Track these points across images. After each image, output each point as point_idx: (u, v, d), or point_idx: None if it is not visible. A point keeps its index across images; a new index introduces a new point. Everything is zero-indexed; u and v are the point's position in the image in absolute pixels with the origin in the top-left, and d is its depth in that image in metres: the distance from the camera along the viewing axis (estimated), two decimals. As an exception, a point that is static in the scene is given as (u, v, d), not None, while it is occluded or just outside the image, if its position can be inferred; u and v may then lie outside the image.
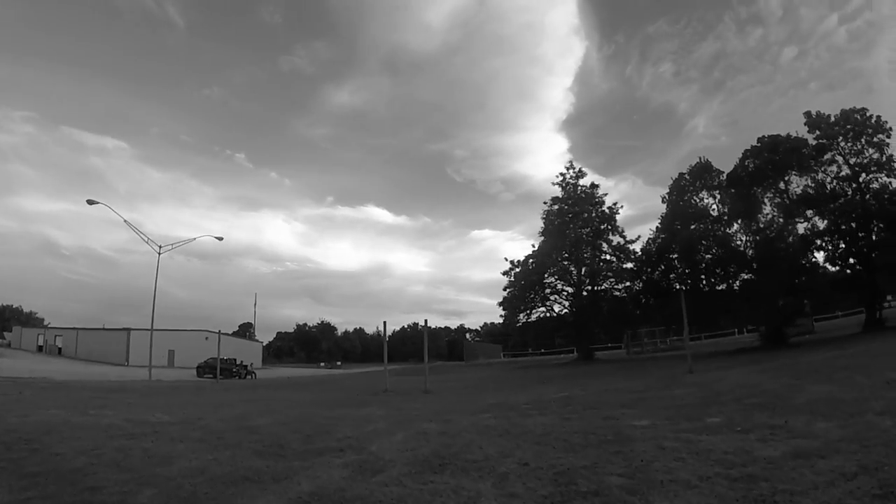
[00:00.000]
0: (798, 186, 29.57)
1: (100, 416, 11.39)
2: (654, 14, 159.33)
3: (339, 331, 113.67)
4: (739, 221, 31.00)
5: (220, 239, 38.84)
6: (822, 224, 29.62)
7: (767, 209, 30.75)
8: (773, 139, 29.37)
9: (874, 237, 27.68)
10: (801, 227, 30.16)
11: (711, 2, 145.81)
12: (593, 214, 47.77)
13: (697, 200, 32.30)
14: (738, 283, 31.99)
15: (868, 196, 27.69)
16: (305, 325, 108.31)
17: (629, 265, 45.73)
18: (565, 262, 48.03)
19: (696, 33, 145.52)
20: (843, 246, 29.49)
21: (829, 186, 29.45)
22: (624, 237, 46.42)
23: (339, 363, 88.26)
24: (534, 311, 50.14)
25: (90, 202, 28.40)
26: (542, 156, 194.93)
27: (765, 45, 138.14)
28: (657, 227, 35.23)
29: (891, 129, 27.60)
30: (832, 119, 29.20)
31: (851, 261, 29.45)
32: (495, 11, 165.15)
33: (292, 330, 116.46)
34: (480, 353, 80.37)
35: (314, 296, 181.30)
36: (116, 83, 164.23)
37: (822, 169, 29.82)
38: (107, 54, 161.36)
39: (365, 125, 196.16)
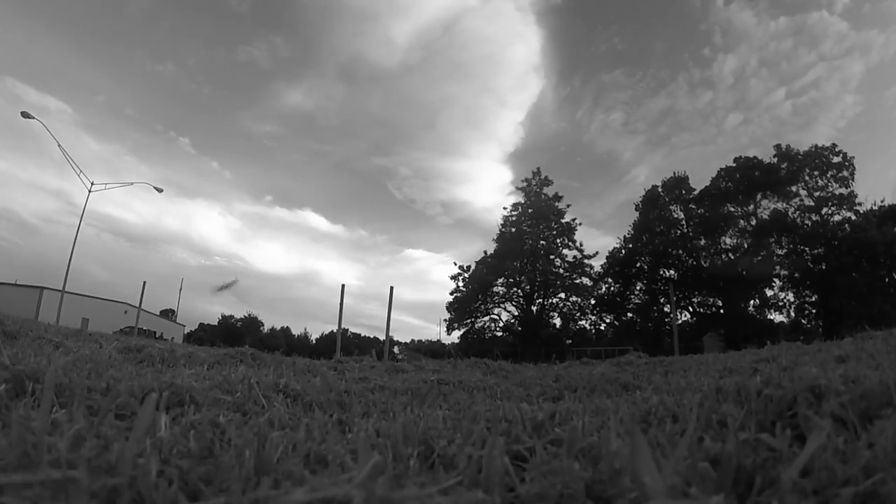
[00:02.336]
0: (766, 210, 30.72)
1: None
2: (613, 64, 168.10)
3: (266, 328, 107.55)
4: (703, 241, 31.84)
5: (160, 190, 35.09)
6: (780, 251, 30.81)
7: (731, 233, 31.79)
8: (749, 161, 30.39)
9: (832, 263, 28.88)
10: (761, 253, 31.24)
11: (668, 61, 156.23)
12: (552, 225, 47.50)
13: (667, 214, 32.94)
14: (691, 305, 32.70)
15: (829, 227, 29.15)
16: (231, 317, 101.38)
17: (584, 280, 46.01)
18: (517, 274, 47.34)
19: (650, 88, 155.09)
20: (798, 275, 30.74)
21: (790, 216, 30.85)
22: (581, 251, 46.38)
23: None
24: (478, 320, 49.38)
25: (25, 115, 24.50)
26: (484, 184, 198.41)
27: (712, 108, 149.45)
28: (624, 237, 35.70)
29: (853, 166, 29.34)
30: (800, 154, 30.77)
31: (808, 296, 30.75)
32: (459, 38, 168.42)
33: (216, 323, 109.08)
34: (411, 354, 78.48)
35: (239, 295, 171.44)
36: (70, 42, 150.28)
37: (786, 200, 31.18)
38: (65, 10, 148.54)
39: (312, 129, 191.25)
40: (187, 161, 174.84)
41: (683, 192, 32.57)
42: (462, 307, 47.25)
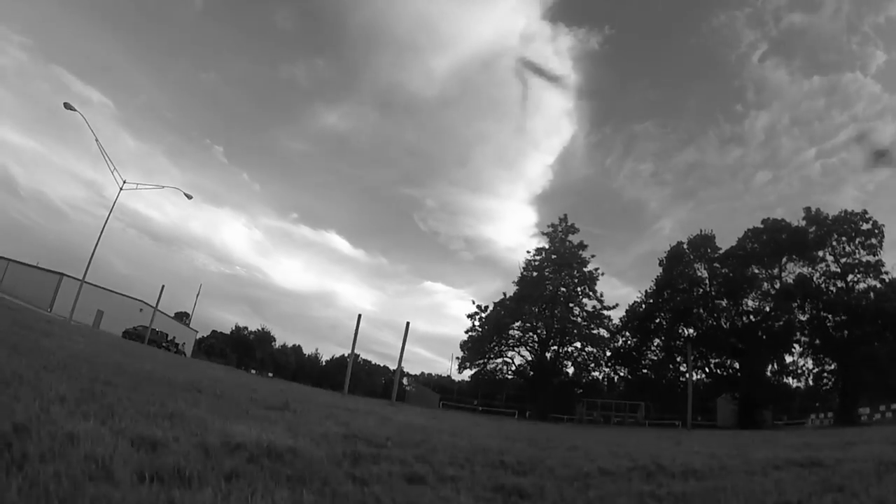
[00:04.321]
0: (791, 274, 29.82)
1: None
2: (645, 115, 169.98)
3: (277, 343, 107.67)
4: (725, 301, 30.84)
5: (190, 197, 36.07)
6: (803, 317, 29.64)
7: (753, 295, 30.76)
8: (776, 223, 29.91)
9: (855, 331, 27.66)
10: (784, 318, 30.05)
11: (700, 115, 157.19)
12: (574, 273, 47.13)
13: (691, 271, 32.23)
14: (708, 365, 31.49)
15: (853, 295, 28.07)
16: (245, 328, 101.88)
17: (601, 331, 44.93)
18: (534, 319, 46.57)
19: (680, 140, 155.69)
20: (819, 342, 29.47)
21: (815, 281, 29.81)
22: (601, 301, 45.81)
23: (270, 374, 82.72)
24: (491, 361, 48.55)
25: (67, 106, 25.62)
26: (509, 224, 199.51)
27: (741, 164, 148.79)
28: (646, 292, 34.92)
29: (883, 233, 28.44)
30: (829, 218, 30.02)
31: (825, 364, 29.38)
32: (497, 77, 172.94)
33: (228, 332, 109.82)
34: (421, 398, 77.06)
35: (254, 307, 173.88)
36: (119, 39, 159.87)
37: (812, 265, 30.25)
38: (117, 7, 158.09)
39: (344, 152, 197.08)
40: (218, 169, 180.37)
41: (709, 250, 32.04)
42: (476, 347, 46.75)
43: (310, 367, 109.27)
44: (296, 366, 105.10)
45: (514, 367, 48.28)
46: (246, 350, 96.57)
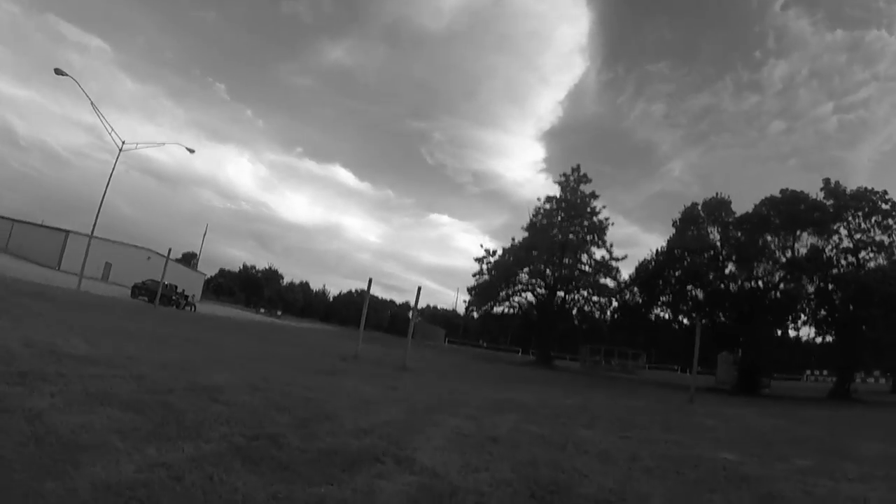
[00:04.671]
0: (804, 245, 29.35)
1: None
2: (659, 55, 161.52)
3: (285, 280, 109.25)
4: (735, 267, 30.45)
5: (192, 151, 34.93)
6: (811, 287, 29.39)
7: (764, 263, 30.34)
8: (795, 194, 29.42)
9: (860, 311, 27.60)
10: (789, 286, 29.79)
11: (717, 59, 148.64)
12: (584, 223, 46.71)
13: (704, 234, 31.68)
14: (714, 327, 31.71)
15: (862, 272, 27.74)
16: (253, 267, 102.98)
17: (608, 281, 45.23)
18: (542, 265, 46.70)
19: (695, 84, 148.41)
20: (824, 313, 29.41)
21: (826, 254, 29.40)
22: (610, 252, 45.91)
23: (279, 313, 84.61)
24: (498, 304, 48.88)
25: (58, 72, 24.20)
26: (517, 159, 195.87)
27: (757, 112, 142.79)
28: (657, 250, 34.47)
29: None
30: (848, 192, 29.39)
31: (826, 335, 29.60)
32: (507, 11, 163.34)
33: (236, 270, 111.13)
34: (426, 334, 78.99)
35: (261, 241, 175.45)
36: None
37: (826, 238, 29.73)
38: None
39: (350, 87, 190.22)
40: (221, 107, 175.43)
41: (723, 214, 31.18)
42: (483, 293, 47.16)
43: (318, 303, 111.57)
44: (304, 302, 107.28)
45: (520, 311, 48.55)
46: (254, 289, 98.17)
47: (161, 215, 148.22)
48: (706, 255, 30.75)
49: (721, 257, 30.88)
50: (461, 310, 74.28)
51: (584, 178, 47.96)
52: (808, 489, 5.29)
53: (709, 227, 31.80)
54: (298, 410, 6.29)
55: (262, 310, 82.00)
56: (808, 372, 40.87)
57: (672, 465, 5.95)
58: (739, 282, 30.04)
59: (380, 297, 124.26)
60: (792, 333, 29.39)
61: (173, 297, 37.56)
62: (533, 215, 48.90)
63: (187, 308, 38.75)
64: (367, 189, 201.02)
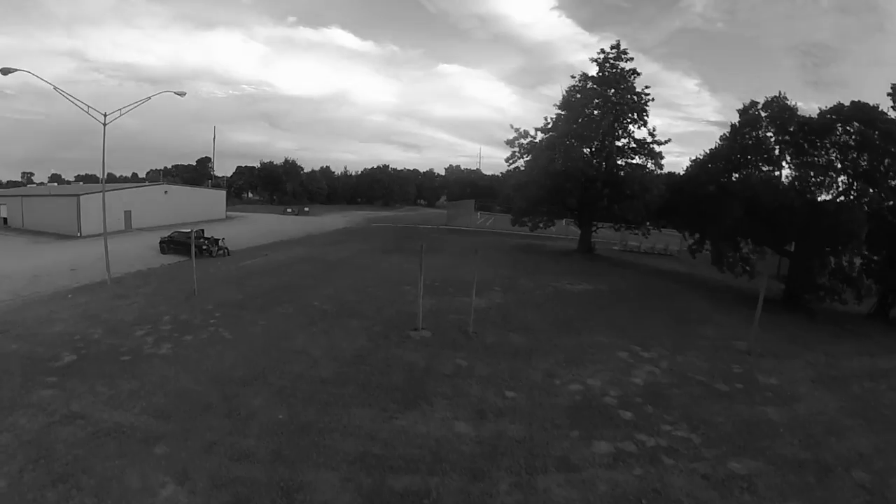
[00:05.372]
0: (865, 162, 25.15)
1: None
2: None
3: (306, 169, 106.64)
4: (797, 179, 26.80)
5: (182, 94, 31.00)
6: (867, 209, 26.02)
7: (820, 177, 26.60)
8: (864, 109, 24.28)
9: None
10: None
11: None
12: (619, 100, 41.70)
13: (765, 139, 27.51)
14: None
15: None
16: (271, 162, 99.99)
17: (650, 165, 41.71)
18: (577, 145, 42.79)
19: None
20: (876, 242, 26.46)
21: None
22: (653, 135, 41.65)
23: (307, 209, 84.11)
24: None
25: (5, 71, 20.34)
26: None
27: None
28: (709, 151, 30.57)
29: None
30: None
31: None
32: None
33: (252, 164, 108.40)
34: (458, 215, 77.96)
35: (271, 121, 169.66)
36: None
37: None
38: None
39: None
40: None
41: (786, 117, 26.75)
42: (521, 189, 44.05)
43: (342, 188, 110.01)
44: (328, 189, 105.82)
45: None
46: (276, 184, 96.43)
47: (167, 119, 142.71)
48: (759, 160, 27.11)
49: (776, 159, 27.13)
50: (485, 169, 71.25)
51: (624, 55, 41.87)
52: None
53: (768, 133, 27.43)
54: None
55: (289, 209, 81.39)
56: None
57: None
58: (794, 200, 26.59)
59: (399, 168, 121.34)
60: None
61: (204, 246, 36.57)
62: (566, 92, 44.04)
63: (220, 252, 37.88)
64: (371, 48, 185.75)
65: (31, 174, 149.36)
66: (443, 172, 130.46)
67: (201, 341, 16.72)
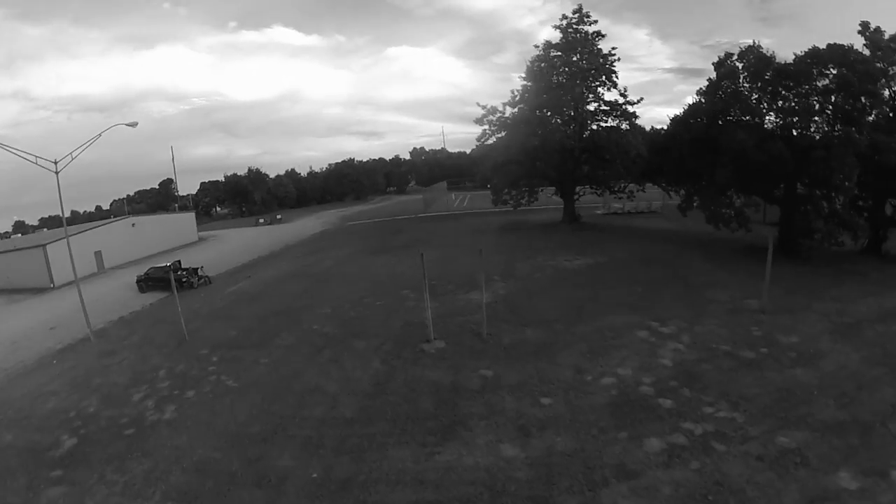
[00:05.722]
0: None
1: None
2: None
3: (271, 174, 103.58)
4: (779, 127, 26.47)
5: (134, 125, 29.28)
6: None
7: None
8: (840, 51, 24.10)
9: None
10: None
11: None
12: (583, 63, 40.80)
13: (744, 90, 27.01)
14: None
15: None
16: (235, 173, 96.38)
17: (625, 126, 41.13)
18: (550, 116, 42.04)
19: None
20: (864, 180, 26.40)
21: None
22: (624, 95, 40.92)
23: (279, 216, 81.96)
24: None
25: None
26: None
27: None
28: (689, 106, 29.93)
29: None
30: (892, 40, 24.73)
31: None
32: None
33: (216, 178, 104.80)
34: (433, 200, 76.86)
35: (227, 130, 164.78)
36: None
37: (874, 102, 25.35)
38: None
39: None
40: (135, 11, 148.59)
41: (762, 66, 26.36)
42: (501, 172, 43.12)
43: (310, 187, 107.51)
44: (297, 192, 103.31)
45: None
46: (244, 195, 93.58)
47: (123, 145, 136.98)
48: (743, 118, 26.70)
49: (761, 116, 26.81)
50: (450, 146, 70.18)
51: (587, 18, 41.07)
52: None
53: (747, 84, 26.92)
54: None
55: (262, 220, 79.21)
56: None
57: None
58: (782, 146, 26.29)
59: (365, 160, 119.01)
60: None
61: (183, 279, 35.03)
62: (530, 62, 43.02)
63: (202, 281, 36.36)
64: (317, 41, 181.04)
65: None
66: (408, 156, 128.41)
67: (206, 396, 15.63)
